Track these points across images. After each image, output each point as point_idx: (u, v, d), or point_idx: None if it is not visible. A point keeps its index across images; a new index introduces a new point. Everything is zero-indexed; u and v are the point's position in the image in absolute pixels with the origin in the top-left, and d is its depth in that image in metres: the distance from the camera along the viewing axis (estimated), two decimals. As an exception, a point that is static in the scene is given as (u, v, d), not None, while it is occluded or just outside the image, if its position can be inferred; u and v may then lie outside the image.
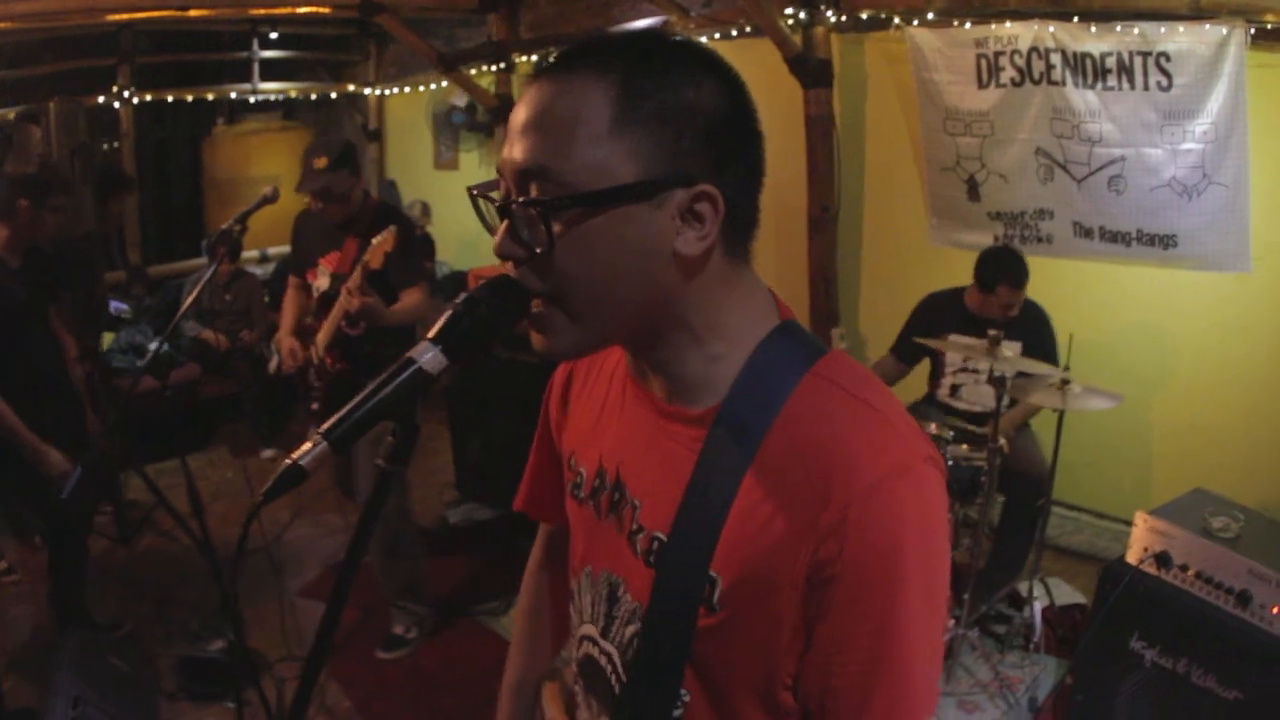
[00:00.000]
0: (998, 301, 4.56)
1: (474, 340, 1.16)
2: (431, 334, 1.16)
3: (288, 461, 1.10)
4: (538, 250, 1.13)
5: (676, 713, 1.26)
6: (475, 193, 1.26)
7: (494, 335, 1.18)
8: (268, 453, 7.25)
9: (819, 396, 1.17)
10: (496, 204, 1.18)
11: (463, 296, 1.17)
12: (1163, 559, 3.27)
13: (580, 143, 1.10)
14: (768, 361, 1.21)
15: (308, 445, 1.10)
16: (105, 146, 8.44)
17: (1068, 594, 4.75)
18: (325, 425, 1.11)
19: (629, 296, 1.17)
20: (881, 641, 1.11)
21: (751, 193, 1.20)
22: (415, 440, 1.20)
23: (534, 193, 1.12)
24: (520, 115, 1.15)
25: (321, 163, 4.16)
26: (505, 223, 1.17)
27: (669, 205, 1.12)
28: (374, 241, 4.05)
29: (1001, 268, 4.56)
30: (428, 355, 1.14)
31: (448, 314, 1.16)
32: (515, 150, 1.14)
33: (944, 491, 1.16)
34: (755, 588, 1.15)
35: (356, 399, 1.13)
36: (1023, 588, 4.41)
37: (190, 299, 4.04)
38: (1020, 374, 4.09)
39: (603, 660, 1.38)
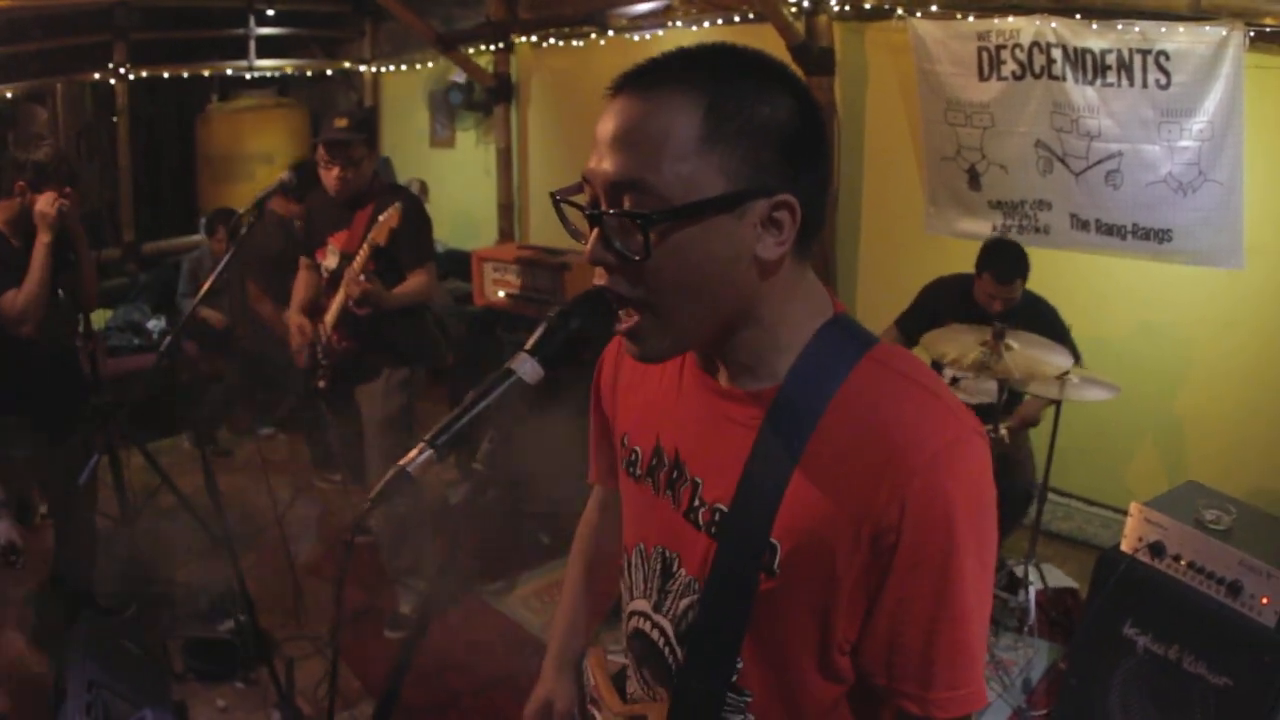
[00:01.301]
0: (983, 289, 4.56)
1: (568, 351, 1.24)
2: (529, 345, 1.23)
3: (397, 467, 1.17)
4: (635, 258, 1.19)
5: (733, 679, 1.33)
6: (558, 198, 1.31)
7: (586, 344, 1.25)
8: (265, 430, 7.21)
9: (875, 378, 1.25)
10: (588, 212, 1.24)
11: (556, 309, 1.25)
12: (1156, 548, 3.34)
13: (672, 158, 1.16)
14: (824, 347, 1.29)
15: (414, 452, 1.18)
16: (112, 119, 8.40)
17: (1060, 579, 4.83)
18: (430, 434, 1.19)
19: (714, 300, 1.24)
20: (941, 601, 1.19)
21: (821, 198, 1.27)
22: (511, 445, 1.28)
23: (628, 203, 1.19)
24: (609, 128, 1.21)
25: (342, 122, 4.24)
26: (596, 231, 1.23)
27: (751, 214, 1.20)
28: (380, 219, 4.11)
29: (990, 257, 4.56)
30: (526, 366, 1.21)
31: (543, 326, 1.24)
32: (607, 162, 1.20)
33: (989, 459, 1.24)
34: (813, 553, 1.23)
35: (459, 408, 1.20)
36: (1018, 571, 4.49)
37: (206, 287, 4.06)
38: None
39: (654, 634, 1.46)
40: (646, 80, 1.20)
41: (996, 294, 4.52)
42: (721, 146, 1.17)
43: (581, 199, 1.27)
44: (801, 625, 1.28)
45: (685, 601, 1.39)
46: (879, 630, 1.24)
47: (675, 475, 1.41)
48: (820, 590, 1.24)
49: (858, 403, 1.24)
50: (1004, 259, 4.54)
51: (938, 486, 1.17)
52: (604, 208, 1.21)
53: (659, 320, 1.24)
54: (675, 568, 1.41)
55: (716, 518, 1.32)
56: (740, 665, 1.32)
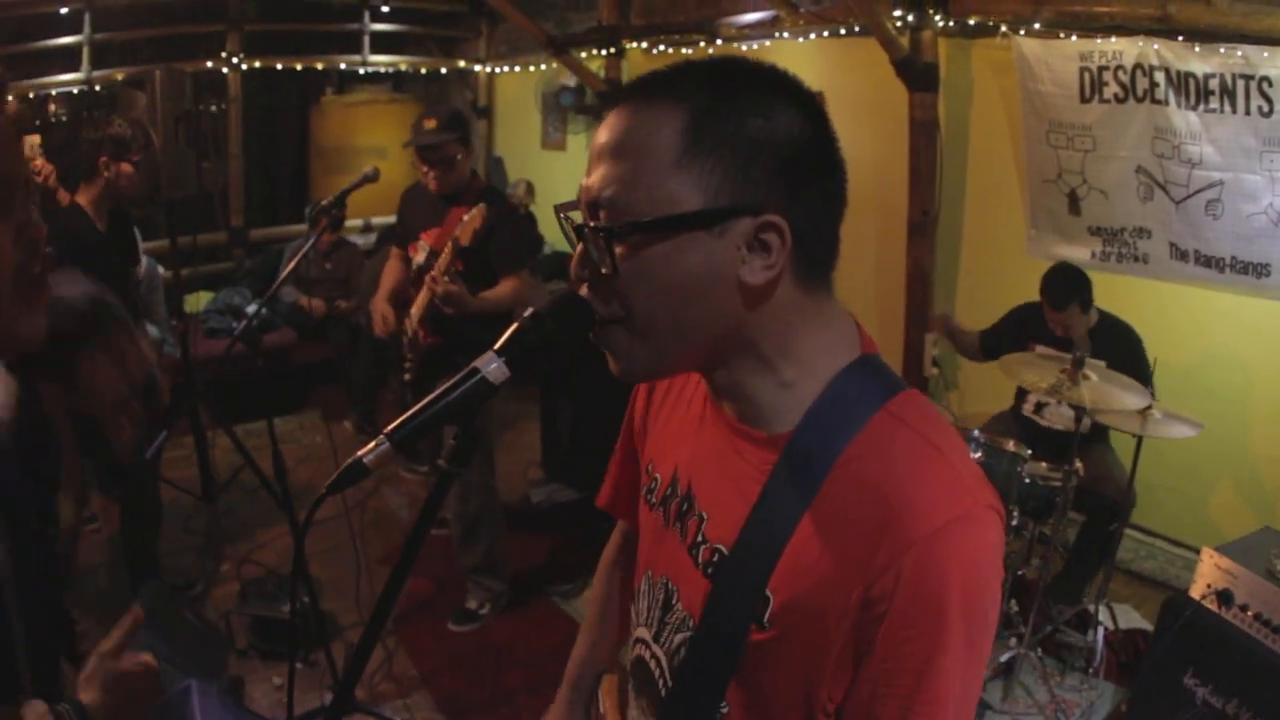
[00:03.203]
0: (1048, 316, 4.65)
1: (538, 354, 1.20)
2: (497, 345, 1.20)
3: (354, 458, 1.15)
4: (602, 272, 1.16)
5: None
6: (562, 214, 1.29)
7: (558, 350, 1.21)
8: (346, 423, 7.37)
9: (888, 434, 1.19)
10: (574, 225, 1.23)
11: (530, 311, 1.21)
12: (1224, 597, 3.22)
13: (646, 172, 1.13)
14: (842, 393, 1.23)
15: (372, 445, 1.16)
16: (212, 108, 8.61)
17: (1134, 620, 4.70)
18: (389, 427, 1.17)
19: (693, 321, 1.19)
20: (921, 683, 1.13)
21: (829, 222, 1.21)
22: (475, 444, 1.25)
23: (602, 218, 1.17)
24: (598, 141, 1.19)
25: (431, 124, 4.28)
26: (580, 245, 1.21)
27: (732, 234, 1.14)
28: (464, 218, 4.11)
29: (1045, 284, 4.68)
30: (492, 366, 1.18)
31: (514, 327, 1.21)
32: (590, 176, 1.18)
33: (1001, 540, 1.18)
34: (805, 612, 1.18)
35: (422, 403, 1.18)
36: (1089, 608, 4.37)
37: (289, 268, 4.12)
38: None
39: (652, 664, 1.43)
40: (640, 91, 1.18)
41: (1056, 321, 4.61)
42: (702, 160, 1.12)
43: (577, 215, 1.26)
44: (788, 681, 1.23)
45: (679, 637, 1.36)
46: (860, 700, 1.19)
47: (685, 507, 1.38)
48: (810, 648, 1.20)
49: (868, 458, 1.18)
50: (1055, 284, 4.64)
51: (936, 563, 1.11)
52: (585, 221, 1.19)
53: (634, 338, 1.21)
54: (674, 601, 1.38)
55: (715, 559, 1.29)
56: (726, 711, 1.29)
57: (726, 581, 1.26)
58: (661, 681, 1.40)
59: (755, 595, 1.22)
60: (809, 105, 1.18)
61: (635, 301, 1.18)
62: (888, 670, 1.15)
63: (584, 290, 1.23)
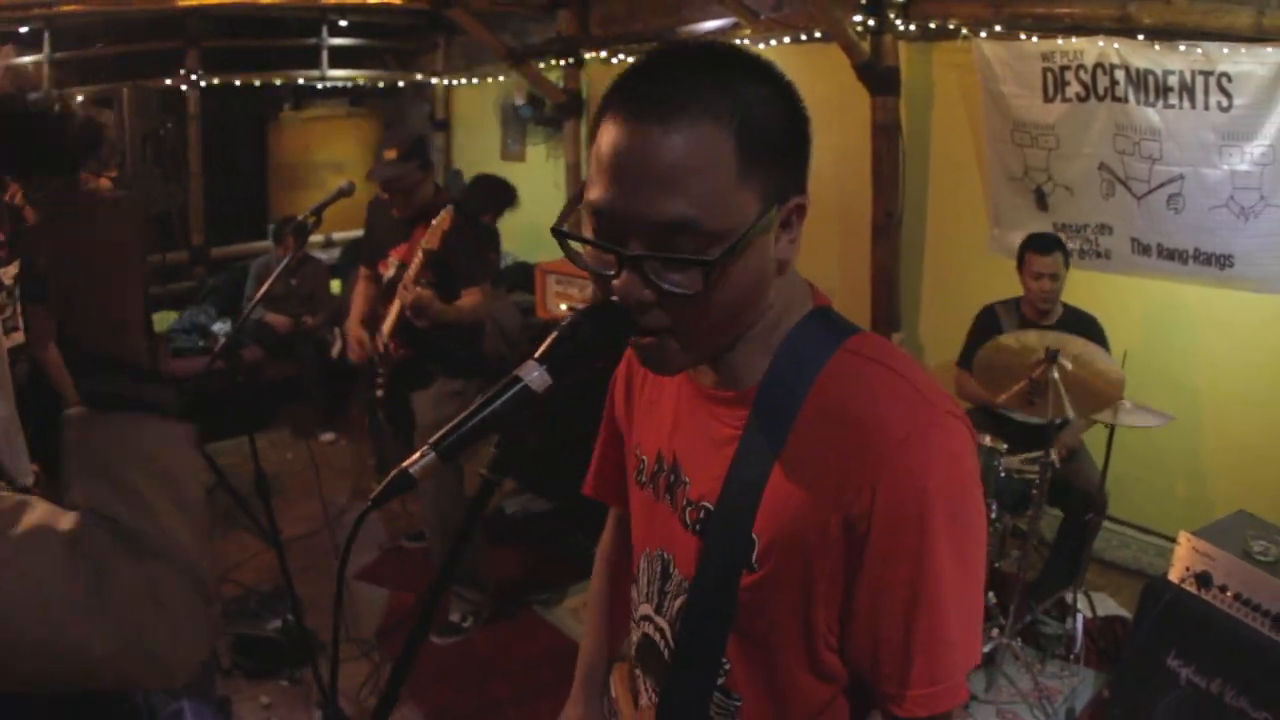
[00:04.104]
0: (1030, 272, 4.67)
1: (577, 361, 1.21)
2: (538, 354, 1.20)
3: (399, 468, 1.15)
4: (692, 294, 1.16)
5: (720, 680, 1.33)
6: (566, 234, 1.27)
7: (596, 357, 1.23)
8: (327, 436, 7.35)
9: (849, 368, 1.26)
10: (626, 254, 1.18)
11: (567, 319, 1.22)
12: (1203, 579, 3.29)
13: (719, 192, 1.14)
14: (801, 340, 1.29)
15: (417, 455, 1.16)
16: (172, 126, 8.49)
17: (1111, 607, 4.77)
18: (435, 437, 1.17)
19: (747, 311, 1.25)
20: (916, 591, 1.19)
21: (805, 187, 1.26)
22: (520, 453, 1.24)
23: (684, 244, 1.15)
24: (631, 160, 1.15)
25: (391, 154, 4.26)
26: (630, 270, 1.18)
27: (774, 223, 1.20)
28: (432, 224, 4.12)
29: (1026, 240, 4.77)
30: (534, 374, 1.19)
31: (554, 335, 1.21)
32: (640, 201, 1.15)
33: (971, 444, 1.23)
34: (789, 546, 1.24)
35: (465, 413, 1.18)
36: (1067, 598, 4.44)
37: (266, 285, 4.11)
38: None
39: (657, 636, 1.47)
40: (659, 104, 1.14)
41: (1043, 270, 4.65)
42: (756, 169, 1.16)
43: (571, 226, 1.26)
44: (783, 620, 1.28)
45: (678, 602, 1.41)
46: (859, 626, 1.24)
47: (672, 479, 1.43)
48: (798, 583, 1.25)
49: (833, 393, 1.24)
50: (1039, 236, 4.76)
51: (907, 472, 1.17)
52: (637, 248, 1.17)
53: (687, 340, 1.24)
54: (671, 569, 1.43)
55: (702, 515, 1.34)
56: (728, 667, 1.33)
57: (714, 533, 1.31)
58: (667, 652, 1.44)
59: (742, 540, 1.26)
60: (784, 84, 1.23)
61: (711, 313, 1.20)
62: (879, 589, 1.20)
63: (635, 310, 1.21)
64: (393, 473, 1.16)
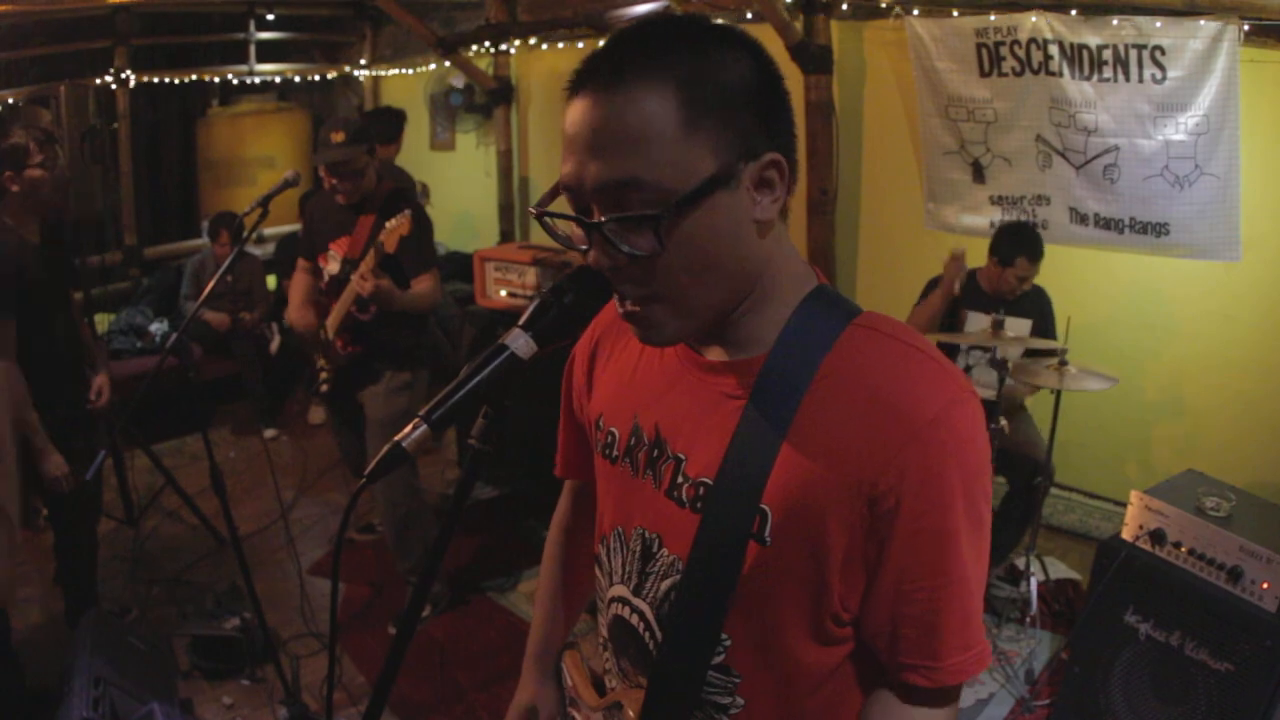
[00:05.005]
0: (1014, 274, 4.68)
1: (562, 326, 1.24)
2: (522, 321, 1.23)
3: (392, 442, 1.17)
4: (646, 255, 1.18)
5: (718, 659, 1.32)
6: (548, 217, 1.28)
7: (579, 323, 1.26)
8: (269, 432, 7.29)
9: (864, 344, 1.26)
10: (587, 222, 1.21)
11: (550, 285, 1.24)
12: (1157, 536, 3.38)
13: (663, 150, 1.15)
14: (811, 315, 1.29)
15: (409, 428, 1.18)
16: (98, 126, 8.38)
17: (1062, 570, 4.87)
18: (425, 408, 1.19)
19: (727, 275, 1.24)
20: (942, 568, 1.21)
21: (793, 149, 1.27)
22: (506, 421, 1.27)
23: (631, 203, 1.17)
24: (583, 131, 1.18)
25: (338, 137, 4.20)
26: (596, 238, 1.21)
27: (744, 181, 1.20)
28: (389, 225, 4.07)
29: (1022, 241, 4.71)
30: (520, 341, 1.21)
31: (537, 302, 1.24)
32: (593, 166, 1.18)
33: (984, 420, 1.24)
34: (806, 519, 1.22)
35: (453, 383, 1.20)
36: (1020, 563, 4.52)
37: (211, 284, 4.05)
38: (1025, 353, 4.19)
39: (634, 619, 1.44)
40: (609, 76, 1.17)
41: (1027, 275, 4.69)
42: (703, 124, 1.16)
43: (556, 205, 1.27)
44: (794, 595, 1.26)
45: (667, 583, 1.37)
46: (881, 597, 1.24)
47: (656, 454, 1.40)
48: (813, 558, 1.23)
49: (848, 368, 1.24)
50: (1031, 241, 4.73)
51: (937, 450, 1.17)
52: (597, 215, 1.20)
53: (671, 306, 1.24)
54: (656, 549, 1.39)
55: (701, 491, 1.31)
56: (728, 644, 1.31)
57: (716, 509, 1.28)
58: (648, 634, 1.41)
59: (749, 513, 1.25)
60: (754, 46, 1.24)
61: (676, 274, 1.21)
62: (906, 566, 1.21)
63: (611, 277, 1.24)
64: (386, 446, 1.17)
